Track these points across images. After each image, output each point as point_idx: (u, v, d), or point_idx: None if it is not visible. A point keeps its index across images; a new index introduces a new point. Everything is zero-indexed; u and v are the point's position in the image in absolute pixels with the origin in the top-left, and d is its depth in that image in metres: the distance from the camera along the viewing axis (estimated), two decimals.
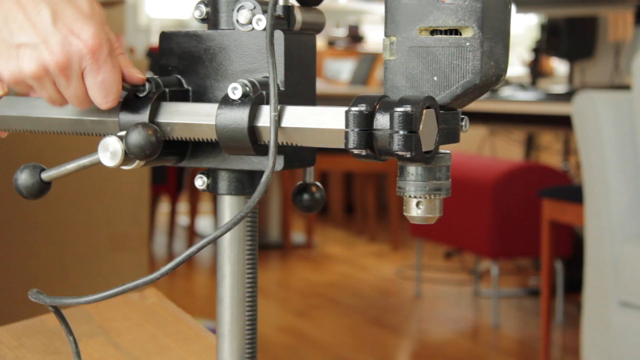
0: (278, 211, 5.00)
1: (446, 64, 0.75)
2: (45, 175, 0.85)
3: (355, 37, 6.71)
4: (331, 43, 6.65)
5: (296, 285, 4.19)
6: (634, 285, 2.35)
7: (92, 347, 1.09)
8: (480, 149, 4.75)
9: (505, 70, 0.77)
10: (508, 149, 4.86)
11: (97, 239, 2.58)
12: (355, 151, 0.73)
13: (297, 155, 0.85)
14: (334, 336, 3.36)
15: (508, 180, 3.41)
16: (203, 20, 0.87)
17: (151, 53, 4.67)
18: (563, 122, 3.08)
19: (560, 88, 4.19)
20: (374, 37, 6.81)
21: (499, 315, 3.53)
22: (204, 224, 5.39)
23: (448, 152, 0.76)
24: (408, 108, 0.71)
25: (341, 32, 6.74)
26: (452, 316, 3.68)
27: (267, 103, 0.80)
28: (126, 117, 0.83)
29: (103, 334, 1.13)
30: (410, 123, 0.71)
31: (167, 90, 0.84)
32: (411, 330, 3.57)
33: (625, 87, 2.97)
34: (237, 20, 0.84)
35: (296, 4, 0.88)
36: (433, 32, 0.75)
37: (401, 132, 0.71)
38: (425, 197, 0.75)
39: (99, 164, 0.80)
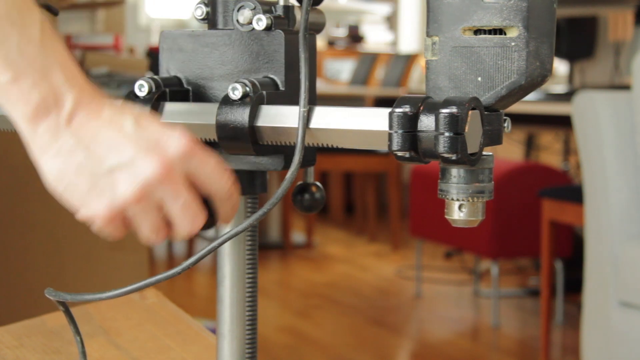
0: (278, 211, 5.00)
1: (490, 64, 0.73)
2: None
3: (355, 37, 6.71)
4: (331, 43, 6.65)
5: (296, 285, 4.19)
6: (634, 285, 2.35)
7: (92, 347, 1.09)
8: None
9: (550, 71, 0.75)
10: (508, 149, 4.86)
11: (97, 239, 2.58)
12: (399, 153, 0.72)
13: None
14: (334, 336, 3.36)
15: (508, 180, 3.41)
16: (203, 20, 0.87)
17: (151, 53, 4.67)
18: (563, 122, 3.08)
19: (560, 88, 4.19)
20: (373, 37, 6.81)
21: (499, 315, 3.53)
22: None
23: (490, 154, 0.75)
24: (454, 109, 0.70)
25: (341, 32, 6.74)
26: (452, 316, 3.68)
27: (268, 103, 0.80)
28: None
29: (103, 334, 1.13)
30: (456, 124, 0.70)
31: (167, 90, 0.84)
32: (411, 330, 3.57)
33: (625, 87, 2.97)
34: (237, 20, 0.84)
35: (296, 4, 0.88)
36: (477, 31, 0.74)
37: (447, 134, 0.70)
38: (468, 200, 0.74)
39: None
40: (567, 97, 3.15)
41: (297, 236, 5.14)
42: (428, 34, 0.76)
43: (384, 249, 4.98)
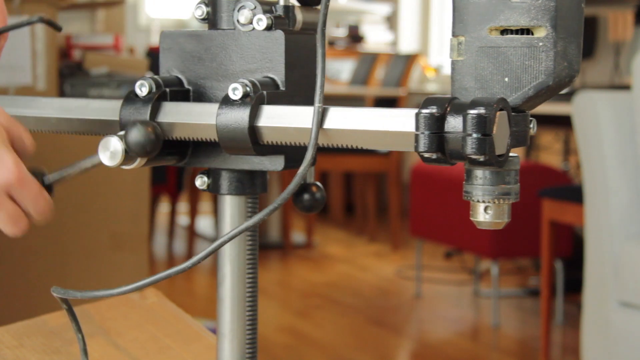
0: (278, 211, 5.00)
1: (518, 64, 0.72)
2: (47, 181, 0.85)
3: (355, 37, 6.71)
4: (331, 43, 6.65)
5: (296, 285, 4.19)
6: (634, 285, 2.35)
7: (92, 347, 1.09)
8: None
9: (577, 71, 0.74)
10: None
11: (97, 239, 2.58)
12: (426, 155, 0.71)
13: (297, 155, 0.85)
14: (334, 336, 3.36)
15: None
16: (203, 20, 0.87)
17: (151, 53, 4.67)
18: (563, 122, 3.08)
19: None
20: (373, 37, 6.81)
21: (499, 315, 3.53)
22: (204, 224, 5.39)
23: (517, 155, 0.74)
24: (482, 110, 0.69)
25: (341, 32, 6.73)
26: (452, 316, 3.68)
27: (268, 103, 0.80)
28: (127, 117, 0.83)
29: (103, 334, 1.13)
30: (484, 125, 0.69)
31: (167, 90, 0.84)
32: (411, 330, 3.57)
33: (625, 87, 2.97)
34: (238, 20, 0.84)
35: (296, 4, 0.88)
36: (504, 31, 0.73)
37: (474, 135, 0.69)
38: (494, 202, 0.73)
39: (100, 164, 0.80)
40: (567, 97, 3.15)
41: (297, 236, 5.14)
42: (454, 34, 0.75)
43: (384, 249, 4.98)
